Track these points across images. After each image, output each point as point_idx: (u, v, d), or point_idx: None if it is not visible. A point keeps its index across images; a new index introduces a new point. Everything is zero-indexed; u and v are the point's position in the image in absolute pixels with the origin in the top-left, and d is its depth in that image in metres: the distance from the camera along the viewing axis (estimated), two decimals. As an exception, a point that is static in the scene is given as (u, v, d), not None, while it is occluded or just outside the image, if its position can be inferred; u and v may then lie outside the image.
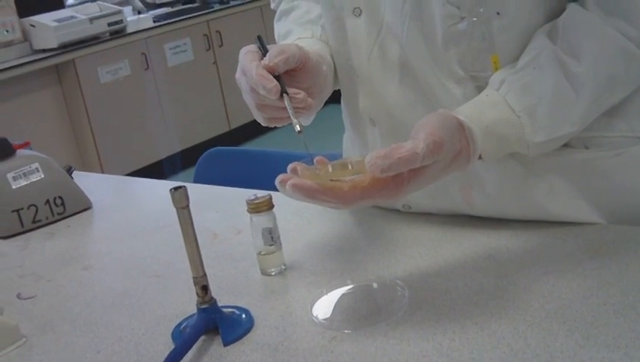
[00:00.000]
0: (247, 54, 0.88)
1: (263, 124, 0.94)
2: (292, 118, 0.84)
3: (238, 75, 0.90)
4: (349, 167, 0.80)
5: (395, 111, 0.95)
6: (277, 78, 0.85)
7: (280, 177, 0.77)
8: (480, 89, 0.88)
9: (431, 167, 0.76)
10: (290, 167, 0.80)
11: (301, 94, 0.85)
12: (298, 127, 0.83)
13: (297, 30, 1.05)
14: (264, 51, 0.89)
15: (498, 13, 0.85)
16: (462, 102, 0.87)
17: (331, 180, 0.76)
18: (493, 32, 0.86)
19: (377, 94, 0.96)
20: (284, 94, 0.84)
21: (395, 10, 0.89)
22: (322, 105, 0.98)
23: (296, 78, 0.89)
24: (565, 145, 0.89)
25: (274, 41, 1.09)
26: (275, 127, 0.94)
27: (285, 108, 0.85)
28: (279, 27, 1.10)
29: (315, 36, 1.03)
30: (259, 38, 0.91)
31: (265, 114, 0.91)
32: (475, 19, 0.85)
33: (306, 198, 0.76)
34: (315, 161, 0.82)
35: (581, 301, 0.78)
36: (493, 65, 0.87)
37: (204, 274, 0.83)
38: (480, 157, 0.84)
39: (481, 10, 0.84)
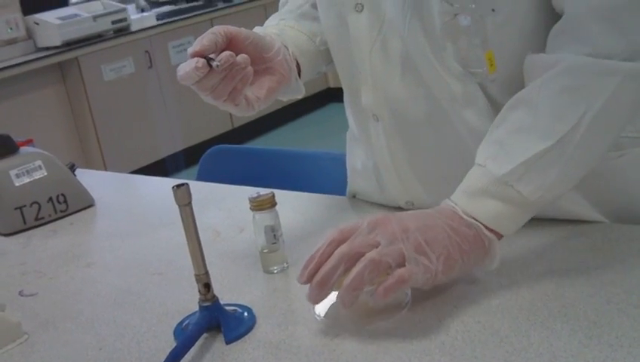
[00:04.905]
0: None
1: (222, 107, 0.92)
2: (214, 57, 0.84)
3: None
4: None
5: (398, 106, 0.95)
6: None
7: (312, 298, 0.80)
8: (480, 85, 0.88)
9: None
10: None
11: (225, 54, 0.85)
12: (217, 63, 0.83)
13: (270, 22, 1.08)
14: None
15: (493, 10, 0.84)
16: (462, 99, 0.87)
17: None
18: (487, 28, 0.85)
19: (380, 90, 0.96)
20: (211, 61, 0.84)
21: (397, 6, 0.89)
22: (297, 82, 1.00)
23: (236, 51, 0.88)
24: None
25: None
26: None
27: (224, 77, 0.86)
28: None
29: (280, 25, 1.05)
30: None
31: (214, 94, 0.88)
32: (468, 15, 0.85)
33: None
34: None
35: (584, 300, 0.78)
36: (488, 61, 0.87)
37: (207, 272, 0.83)
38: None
39: (473, 6, 0.84)
